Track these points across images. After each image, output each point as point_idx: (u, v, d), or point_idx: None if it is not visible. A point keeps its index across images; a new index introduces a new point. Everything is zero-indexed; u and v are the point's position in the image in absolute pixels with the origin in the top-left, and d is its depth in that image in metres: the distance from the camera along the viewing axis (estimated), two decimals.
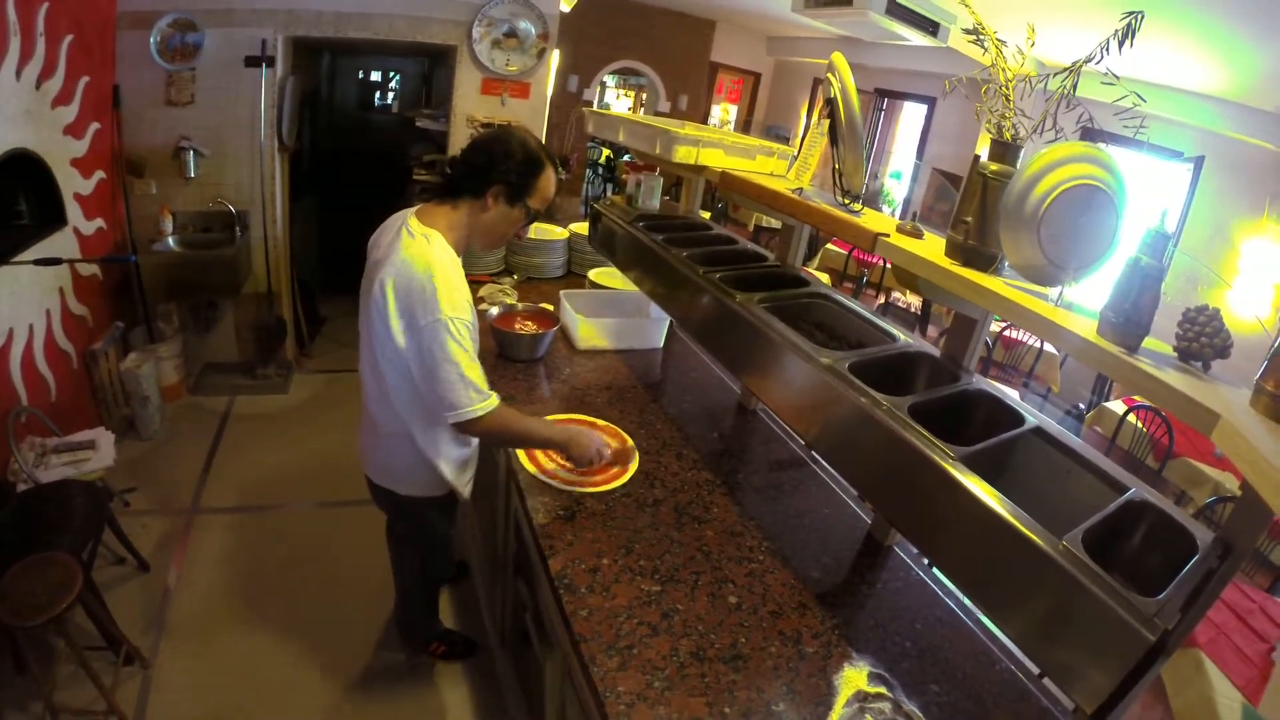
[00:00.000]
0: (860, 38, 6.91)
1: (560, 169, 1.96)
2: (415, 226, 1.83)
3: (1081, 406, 5.95)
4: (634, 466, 2.28)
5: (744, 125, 11.31)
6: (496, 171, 1.83)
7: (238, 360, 4.78)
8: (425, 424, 1.99)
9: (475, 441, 2.21)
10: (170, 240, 4.17)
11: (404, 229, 1.83)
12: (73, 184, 3.45)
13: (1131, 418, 4.78)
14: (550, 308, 3.15)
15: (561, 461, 2.22)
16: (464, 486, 2.21)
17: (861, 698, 1.54)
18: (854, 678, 1.60)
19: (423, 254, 1.77)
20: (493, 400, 1.86)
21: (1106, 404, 5.21)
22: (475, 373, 1.83)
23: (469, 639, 2.89)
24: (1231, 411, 1.07)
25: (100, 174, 3.74)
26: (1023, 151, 1.49)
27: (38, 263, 2.85)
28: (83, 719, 2.38)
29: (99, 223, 3.73)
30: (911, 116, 9.01)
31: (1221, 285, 5.18)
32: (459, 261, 1.86)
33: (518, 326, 2.95)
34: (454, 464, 2.12)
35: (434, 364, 1.78)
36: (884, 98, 9.12)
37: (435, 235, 1.82)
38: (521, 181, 1.87)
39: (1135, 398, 4.86)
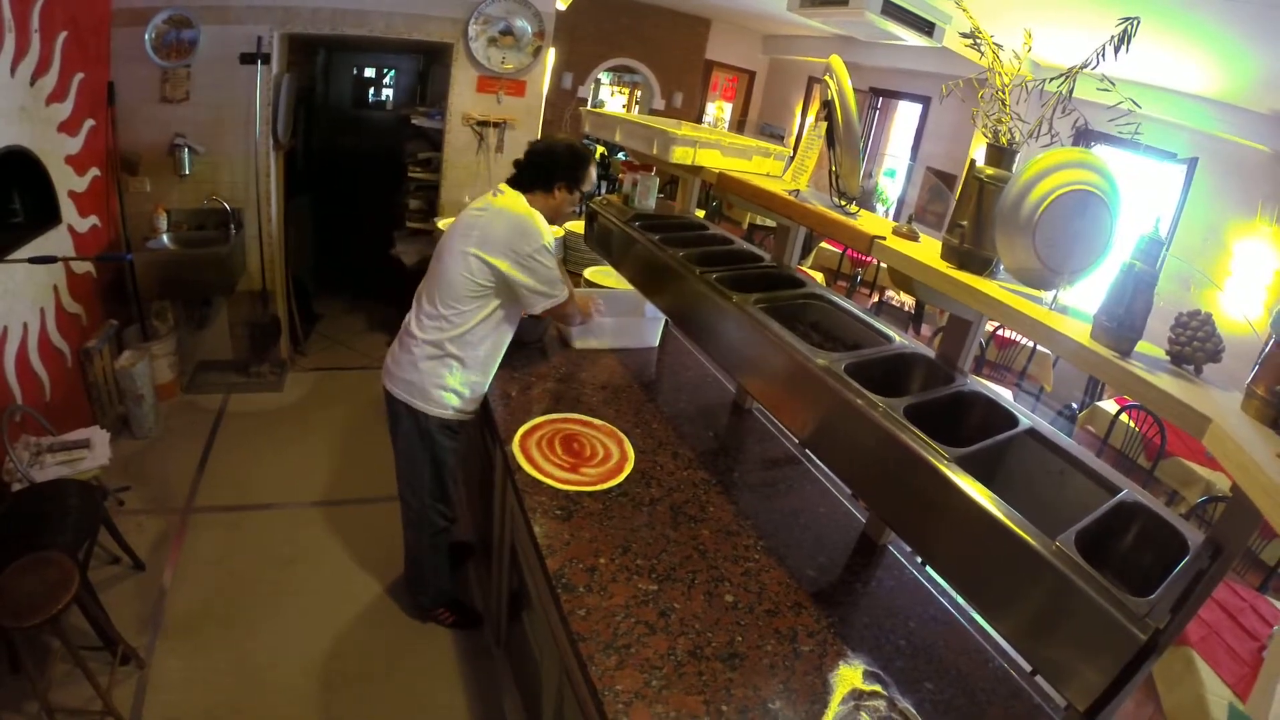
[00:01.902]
0: (855, 37, 6.92)
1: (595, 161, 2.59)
2: (505, 189, 2.46)
3: (1074, 406, 5.97)
4: (630, 466, 2.29)
5: (738, 123, 11.32)
6: (560, 171, 2.46)
7: (232, 358, 4.77)
8: (440, 332, 2.43)
9: (493, 374, 2.61)
10: (164, 238, 4.15)
11: (492, 194, 2.47)
12: (67, 181, 3.44)
13: (1124, 417, 4.81)
14: None
15: (559, 460, 2.23)
16: (471, 409, 2.59)
17: (857, 695, 1.55)
18: (849, 676, 1.61)
19: (518, 204, 2.42)
20: (566, 291, 2.53)
21: (1099, 404, 5.24)
22: (561, 276, 2.49)
23: (475, 610, 3.00)
24: (1223, 415, 1.08)
25: (95, 171, 3.73)
26: (1018, 156, 1.50)
27: (33, 260, 2.84)
28: (79, 719, 2.38)
29: (93, 220, 3.72)
30: (906, 115, 9.03)
31: (1213, 288, 5.21)
32: None
33: None
34: (470, 383, 2.51)
35: (539, 276, 2.39)
36: (878, 97, 9.14)
37: (520, 196, 2.44)
38: (576, 175, 2.49)
39: (1127, 397, 4.88)
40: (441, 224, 4.31)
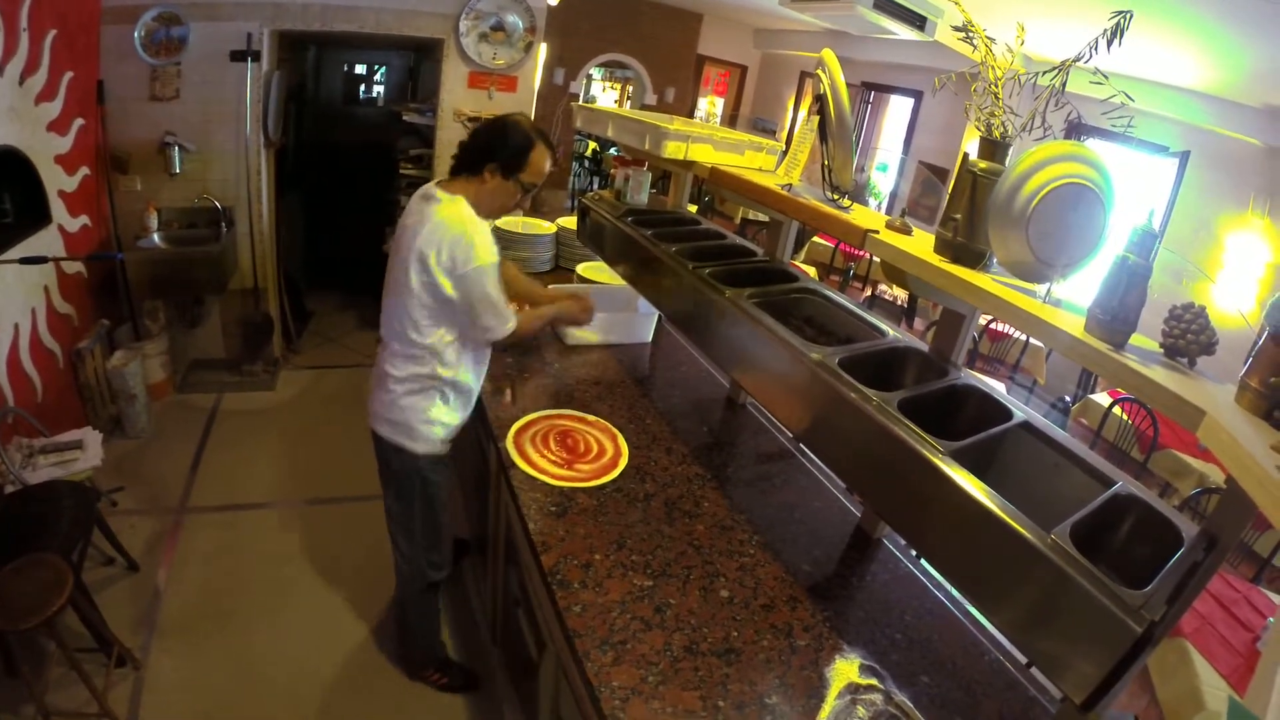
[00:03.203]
0: (847, 31, 6.92)
1: (553, 148, 2.20)
2: (442, 194, 2.10)
3: (1067, 399, 6.00)
4: (624, 461, 2.29)
5: (730, 118, 11.31)
6: (489, 153, 2.09)
7: (225, 357, 4.75)
8: (410, 363, 2.20)
9: (473, 403, 2.40)
10: (155, 237, 4.13)
11: (434, 196, 2.10)
12: (57, 181, 3.41)
13: (1117, 410, 4.83)
14: None
15: (553, 456, 2.23)
16: (447, 439, 2.36)
17: (853, 689, 1.56)
18: (845, 670, 1.61)
19: (456, 214, 2.06)
20: (513, 320, 2.22)
21: (1092, 396, 5.26)
22: (503, 303, 2.18)
23: (470, 671, 2.78)
24: (1217, 408, 1.09)
25: (85, 170, 3.70)
26: (1011, 149, 1.50)
27: (23, 261, 2.82)
28: None
29: (84, 220, 3.70)
30: (898, 110, 9.03)
31: (1205, 280, 5.24)
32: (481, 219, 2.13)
33: (511, 307, 2.99)
34: (459, 406, 2.32)
35: (475, 301, 2.10)
36: (870, 91, 9.14)
37: (460, 199, 2.09)
38: (513, 160, 2.10)
39: (1120, 390, 4.90)
40: None
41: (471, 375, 2.31)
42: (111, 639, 2.50)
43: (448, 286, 2.06)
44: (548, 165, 2.18)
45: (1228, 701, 2.47)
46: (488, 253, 2.08)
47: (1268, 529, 3.76)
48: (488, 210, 2.17)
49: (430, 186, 2.16)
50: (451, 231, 2.04)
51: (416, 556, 2.49)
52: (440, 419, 2.27)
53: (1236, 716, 2.19)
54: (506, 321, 2.20)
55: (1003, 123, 1.48)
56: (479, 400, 2.51)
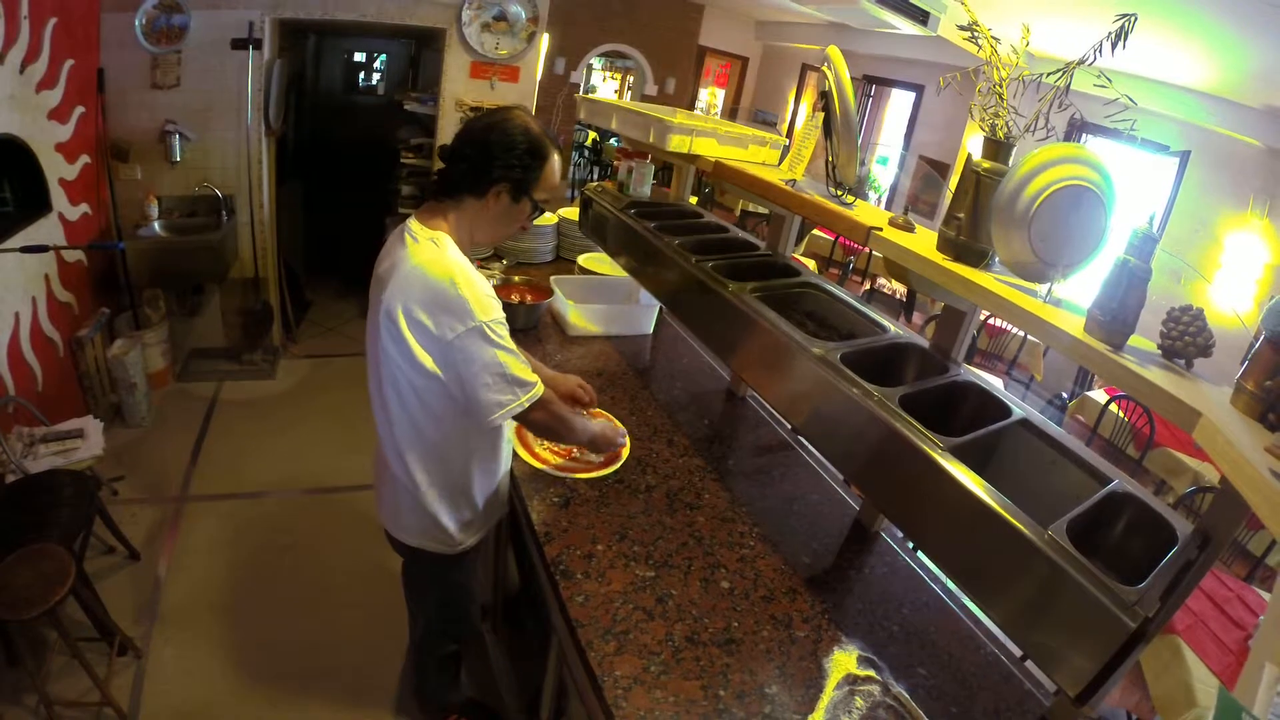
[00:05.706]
0: (849, 24, 6.92)
1: (561, 151, 1.78)
2: (419, 230, 1.65)
3: (1064, 396, 6.02)
4: (625, 453, 2.30)
5: (731, 110, 11.29)
6: (498, 167, 1.62)
7: (225, 346, 4.76)
8: (427, 460, 1.79)
9: (497, 490, 2.00)
10: (156, 225, 4.14)
11: (406, 234, 1.66)
12: (57, 169, 3.41)
13: (1113, 407, 4.85)
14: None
15: (554, 448, 2.24)
16: (470, 537, 1.97)
17: (851, 680, 1.58)
18: (844, 661, 1.63)
19: (436, 260, 1.58)
20: (538, 388, 1.72)
21: (1089, 393, 5.28)
22: (518, 368, 1.67)
23: (492, 710, 2.58)
24: (1212, 409, 1.10)
25: (85, 159, 3.70)
26: (1014, 149, 1.51)
27: (24, 250, 2.82)
28: (77, 710, 2.38)
29: (84, 208, 3.70)
30: (899, 103, 9.03)
31: (1202, 281, 5.26)
32: (470, 262, 1.68)
33: (514, 297, 3.04)
34: (492, 486, 1.96)
35: (475, 372, 1.61)
36: (872, 84, 9.13)
37: (443, 237, 1.64)
38: (525, 176, 1.66)
39: (1117, 387, 4.92)
40: None
41: (499, 445, 1.94)
42: (113, 628, 2.52)
43: (428, 361, 1.61)
44: (559, 179, 1.77)
45: (1217, 691, 2.50)
46: (485, 307, 1.59)
47: (1260, 528, 3.78)
48: (490, 237, 1.78)
49: (410, 220, 1.71)
50: (430, 283, 1.56)
51: (430, 632, 2.26)
52: (471, 516, 1.93)
53: (1225, 705, 2.22)
54: (526, 390, 1.69)
55: (1006, 123, 1.49)
56: None
